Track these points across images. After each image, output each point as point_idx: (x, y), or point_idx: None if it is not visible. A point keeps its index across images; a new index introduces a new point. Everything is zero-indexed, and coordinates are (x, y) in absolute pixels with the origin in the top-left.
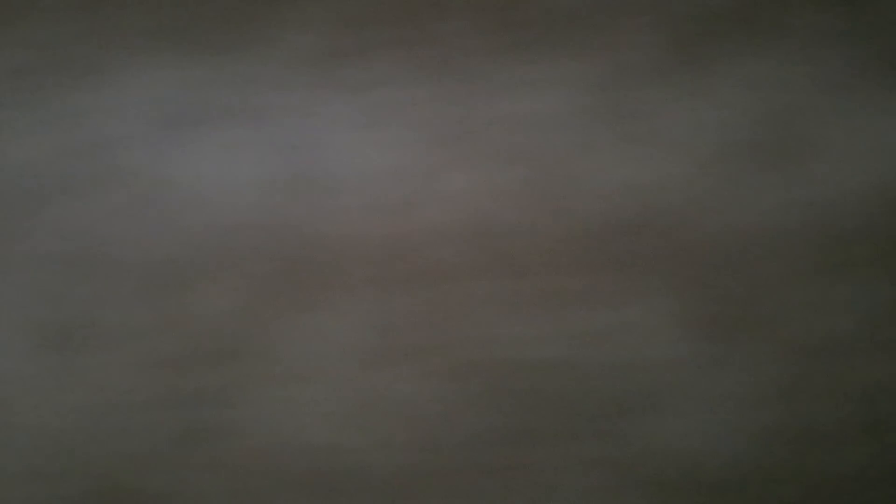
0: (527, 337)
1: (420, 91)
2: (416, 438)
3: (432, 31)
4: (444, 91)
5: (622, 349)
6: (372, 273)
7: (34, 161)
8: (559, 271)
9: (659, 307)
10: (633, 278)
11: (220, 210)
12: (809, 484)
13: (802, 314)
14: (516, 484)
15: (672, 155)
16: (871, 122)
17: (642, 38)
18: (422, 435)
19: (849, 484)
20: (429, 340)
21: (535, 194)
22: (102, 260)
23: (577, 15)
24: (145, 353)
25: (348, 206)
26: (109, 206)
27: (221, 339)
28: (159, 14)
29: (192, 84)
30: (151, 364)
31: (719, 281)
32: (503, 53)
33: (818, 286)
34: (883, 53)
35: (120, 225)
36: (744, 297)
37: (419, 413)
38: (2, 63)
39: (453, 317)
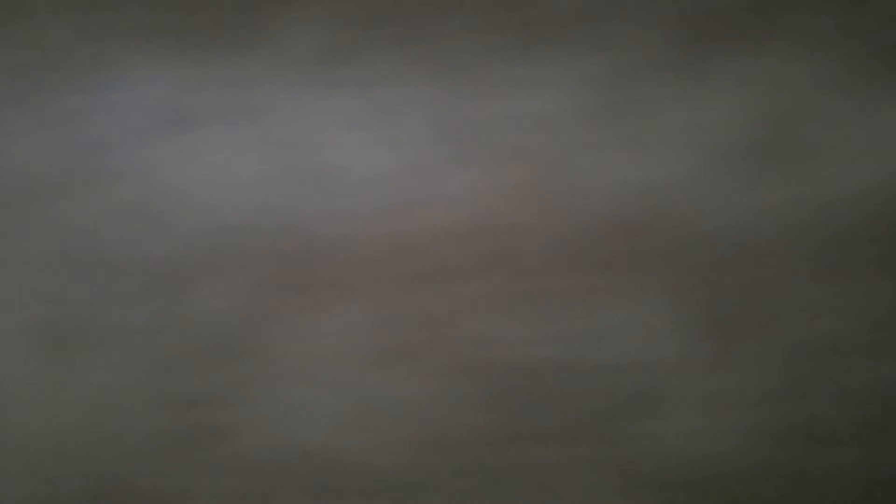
0: (527, 337)
1: (420, 91)
2: (416, 438)
3: (433, 31)
4: (444, 91)
5: (622, 349)
6: (372, 273)
7: (34, 161)
8: (559, 271)
9: (659, 307)
10: (633, 278)
11: (219, 210)
12: (809, 484)
13: (802, 314)
14: (516, 484)
15: (672, 155)
16: (870, 122)
17: (642, 38)
18: (422, 435)
19: (849, 484)
20: (429, 340)
21: (535, 194)
22: (102, 260)
23: (577, 15)
24: (145, 353)
25: (348, 206)
26: (109, 206)
27: (221, 339)
28: (159, 14)
29: (192, 84)
30: (151, 364)
31: (719, 281)
32: (503, 53)
33: (818, 286)
34: (881, 53)
35: (120, 225)
36: (743, 297)
37: (419, 413)
38: (2, 63)
39: (454, 317)
